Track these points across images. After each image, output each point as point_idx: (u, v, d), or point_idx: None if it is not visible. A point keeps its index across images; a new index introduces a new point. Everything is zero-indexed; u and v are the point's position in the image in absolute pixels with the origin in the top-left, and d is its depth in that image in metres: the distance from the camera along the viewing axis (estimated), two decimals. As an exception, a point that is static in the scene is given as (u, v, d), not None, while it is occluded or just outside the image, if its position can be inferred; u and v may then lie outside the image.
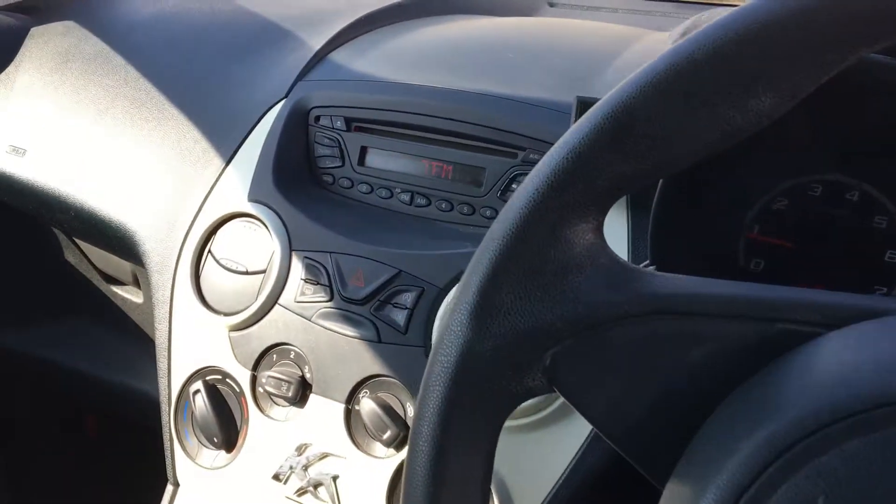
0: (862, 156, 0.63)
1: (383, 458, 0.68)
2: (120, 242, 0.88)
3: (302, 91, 0.81)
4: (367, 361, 0.69)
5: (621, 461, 0.40)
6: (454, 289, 0.40)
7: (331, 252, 0.72)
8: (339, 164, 0.79)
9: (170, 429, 0.78)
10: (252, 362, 0.74)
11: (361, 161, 0.78)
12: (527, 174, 0.71)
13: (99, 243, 0.99)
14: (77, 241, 1.06)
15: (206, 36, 0.95)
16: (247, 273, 0.76)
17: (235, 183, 0.79)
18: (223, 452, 0.75)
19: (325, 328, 0.71)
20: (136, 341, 1.04)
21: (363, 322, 0.70)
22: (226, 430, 0.74)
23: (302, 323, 0.72)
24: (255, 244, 0.76)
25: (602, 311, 0.37)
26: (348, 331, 0.70)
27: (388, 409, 0.67)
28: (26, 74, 1.00)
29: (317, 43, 0.86)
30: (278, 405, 0.73)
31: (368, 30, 0.90)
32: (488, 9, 1.03)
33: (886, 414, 0.30)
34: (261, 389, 0.73)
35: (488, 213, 0.72)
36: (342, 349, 0.70)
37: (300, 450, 0.70)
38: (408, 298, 0.69)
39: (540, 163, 0.39)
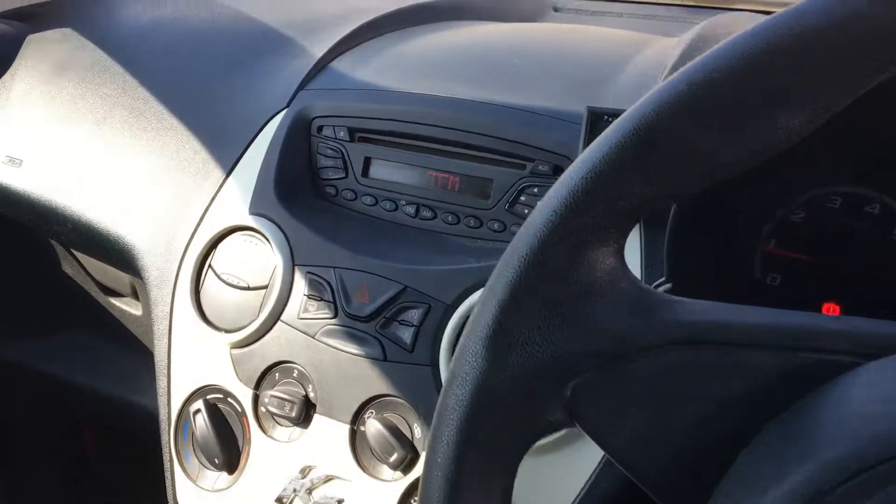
0: (883, 167, 0.61)
1: (390, 481, 0.66)
2: (118, 255, 0.86)
3: (304, 100, 0.79)
4: (372, 381, 0.67)
5: (635, 487, 0.38)
6: (470, 317, 0.37)
7: (334, 267, 0.70)
8: (343, 175, 0.77)
9: (170, 449, 0.76)
10: (254, 381, 0.72)
11: (365, 172, 0.76)
12: (536, 186, 0.70)
13: (97, 255, 0.97)
14: (75, 252, 1.04)
15: (206, 43, 0.93)
16: (248, 288, 0.74)
17: (236, 195, 0.77)
18: (225, 474, 0.73)
19: (329, 346, 0.69)
20: (134, 354, 1.02)
21: (368, 340, 0.68)
22: (227, 451, 0.72)
23: (305, 340, 0.70)
24: (257, 258, 0.74)
25: (626, 340, 0.35)
26: (353, 349, 0.68)
27: (394, 430, 0.65)
28: (22, 83, 0.98)
29: (319, 50, 0.84)
30: (281, 425, 0.71)
31: (371, 37, 0.88)
32: (493, 14, 1.01)
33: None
34: (263, 409, 0.71)
35: (496, 226, 0.70)
36: (347, 368, 0.68)
37: (304, 472, 0.68)
38: (414, 315, 0.67)
39: (557, 182, 0.37)
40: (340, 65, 0.83)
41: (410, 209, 0.73)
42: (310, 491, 0.67)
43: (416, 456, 0.65)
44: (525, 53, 0.81)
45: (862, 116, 0.55)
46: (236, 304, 0.74)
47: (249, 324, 0.72)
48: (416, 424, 0.66)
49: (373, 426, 0.66)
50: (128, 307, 1.04)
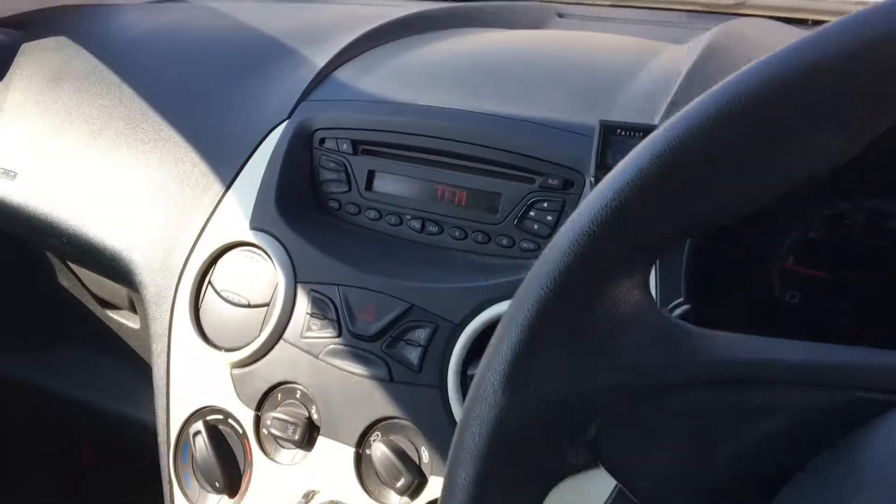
0: (906, 182, 0.59)
1: (397, 507, 0.64)
2: (114, 270, 0.84)
3: (305, 112, 0.77)
4: (378, 402, 0.65)
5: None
6: (486, 350, 0.35)
7: (338, 284, 0.68)
8: (346, 189, 0.74)
9: (169, 471, 0.74)
10: (255, 402, 0.70)
11: (369, 186, 0.74)
12: (545, 200, 0.68)
13: (93, 269, 0.95)
14: (71, 264, 1.02)
15: (205, 53, 0.91)
16: (249, 306, 0.71)
17: (236, 209, 0.75)
18: (225, 498, 0.71)
19: (334, 366, 0.67)
20: (132, 367, 1.01)
21: (374, 360, 0.66)
22: (228, 474, 0.70)
23: (308, 360, 0.68)
24: (258, 275, 0.72)
25: (655, 377, 0.33)
26: (358, 369, 0.66)
27: (401, 454, 0.63)
28: (17, 93, 0.96)
29: (320, 60, 0.82)
30: (284, 448, 0.69)
31: (374, 46, 0.86)
32: (497, 22, 0.99)
33: None
34: (265, 431, 0.69)
35: (504, 241, 0.68)
36: (352, 389, 0.66)
37: (307, 497, 0.66)
38: (421, 335, 0.65)
39: (579, 209, 0.35)
40: (343, 75, 0.81)
41: (416, 224, 0.71)
42: (314, 517, 0.65)
43: (424, 481, 0.63)
44: (533, 63, 0.79)
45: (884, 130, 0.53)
46: (237, 323, 0.72)
47: (250, 343, 0.70)
48: (423, 448, 0.64)
49: (379, 449, 0.64)
50: (125, 320, 1.02)
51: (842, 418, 0.32)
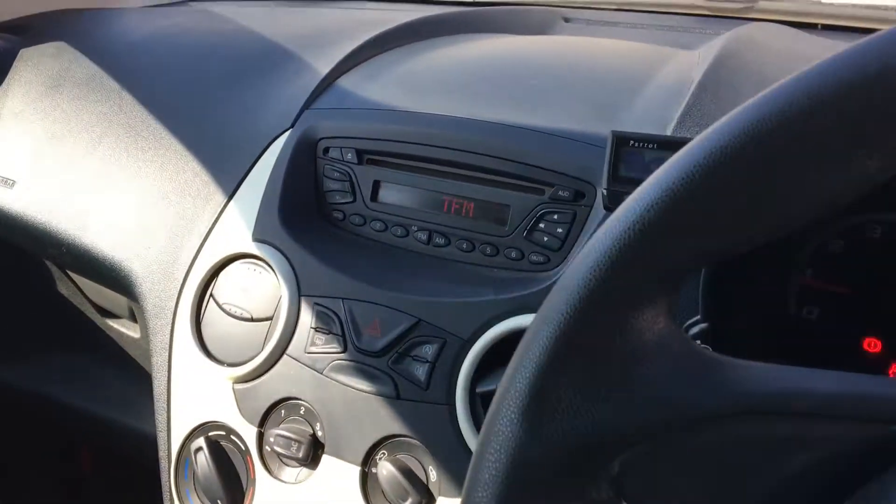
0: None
1: (404, 527, 0.62)
2: (114, 280, 0.83)
3: (309, 120, 0.75)
4: (384, 420, 0.63)
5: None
6: (502, 380, 0.34)
7: (343, 298, 0.67)
8: (351, 199, 0.73)
9: (170, 488, 0.73)
10: (258, 418, 0.68)
11: (374, 196, 0.72)
12: (556, 212, 0.67)
13: (92, 278, 0.94)
14: (70, 273, 1.01)
15: (206, 59, 0.90)
16: (252, 320, 0.70)
17: (238, 220, 0.74)
18: (228, 516, 0.69)
19: (339, 382, 0.65)
20: (132, 376, 0.99)
21: (380, 376, 0.64)
22: (230, 491, 0.68)
23: (313, 376, 0.66)
24: (261, 288, 0.70)
25: (683, 410, 0.32)
26: (364, 385, 0.64)
27: (408, 473, 0.62)
28: (15, 99, 0.95)
29: (324, 67, 0.81)
30: (288, 466, 0.67)
31: (379, 52, 0.84)
32: (503, 27, 0.97)
33: None
34: (268, 448, 0.67)
35: (513, 254, 0.66)
36: (357, 406, 0.64)
37: (312, 516, 0.64)
38: (429, 351, 0.63)
39: (601, 232, 0.33)
40: (347, 82, 0.79)
41: (422, 235, 0.70)
42: (319, 537, 0.63)
43: (432, 500, 0.62)
44: (541, 70, 0.77)
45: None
46: (239, 337, 0.70)
47: (253, 357, 0.69)
48: (431, 467, 0.62)
49: (385, 468, 0.62)
50: (125, 329, 1.00)
51: (877, 453, 0.30)
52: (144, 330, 0.88)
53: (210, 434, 0.70)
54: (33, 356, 1.09)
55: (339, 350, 0.66)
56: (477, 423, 0.61)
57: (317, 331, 0.67)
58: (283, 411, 0.68)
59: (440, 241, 0.69)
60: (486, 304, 0.62)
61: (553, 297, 0.33)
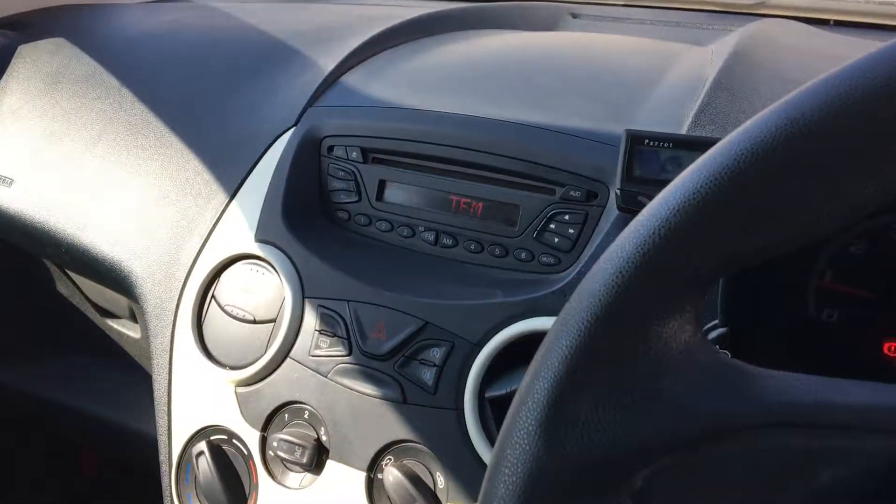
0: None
1: (411, 536, 0.61)
2: (114, 280, 0.81)
3: (313, 118, 0.74)
4: (391, 425, 0.62)
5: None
6: (518, 391, 0.32)
7: (348, 300, 0.65)
8: (356, 199, 0.71)
9: (171, 493, 0.71)
10: (261, 422, 0.67)
11: (380, 196, 0.71)
12: (567, 213, 0.65)
13: (92, 278, 0.92)
14: (69, 273, 0.99)
15: (208, 56, 0.88)
16: (254, 322, 0.68)
17: (241, 220, 0.72)
18: (230, 523, 0.68)
19: (344, 386, 0.64)
20: (133, 377, 0.98)
21: (386, 380, 0.62)
22: (233, 497, 0.67)
23: (317, 380, 0.65)
24: (264, 290, 0.69)
25: (707, 422, 0.30)
26: (369, 390, 0.63)
27: (415, 479, 0.60)
28: (13, 97, 0.93)
29: (328, 64, 0.79)
30: (291, 471, 0.66)
31: (385, 48, 0.83)
32: (510, 22, 0.96)
33: None
34: (271, 453, 0.66)
35: (523, 255, 0.65)
36: (363, 410, 0.63)
37: (316, 523, 0.63)
38: (436, 354, 0.61)
39: (624, 236, 0.31)
40: (352, 79, 0.78)
41: (429, 236, 0.68)
42: (323, 546, 0.62)
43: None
44: (551, 67, 0.76)
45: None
46: (241, 339, 0.69)
47: (256, 360, 0.67)
48: (438, 473, 0.60)
49: (391, 474, 0.61)
50: (126, 329, 0.99)
51: None
52: (145, 331, 0.86)
53: (212, 438, 0.69)
54: (32, 357, 1.07)
55: (343, 353, 0.64)
56: (486, 429, 0.60)
57: (321, 333, 0.65)
58: (286, 415, 0.66)
59: (448, 241, 0.68)
60: (496, 307, 0.61)
61: (573, 303, 0.31)
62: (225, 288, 0.70)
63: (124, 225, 0.80)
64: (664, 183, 0.57)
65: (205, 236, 0.73)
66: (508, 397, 0.58)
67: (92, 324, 1.02)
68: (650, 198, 0.59)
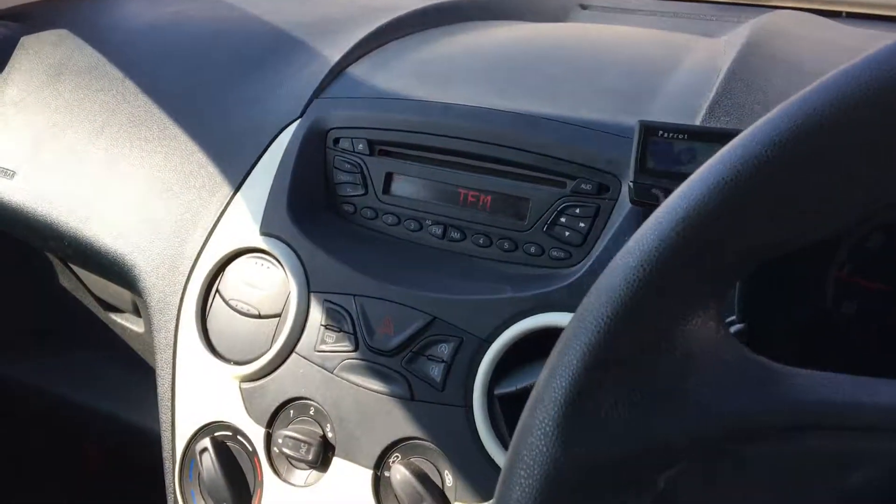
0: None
1: (418, 534, 0.60)
2: (117, 274, 0.80)
3: (319, 110, 0.73)
4: (398, 422, 0.61)
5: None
6: (534, 390, 0.31)
7: (355, 294, 0.64)
8: (362, 192, 0.70)
9: (174, 490, 0.70)
10: (266, 418, 0.66)
11: (387, 189, 0.69)
12: (577, 206, 0.64)
13: (95, 272, 0.91)
14: (72, 266, 0.99)
15: (212, 48, 0.87)
16: (259, 317, 0.67)
17: (245, 213, 0.71)
18: (234, 520, 0.67)
19: (350, 382, 0.63)
20: (136, 372, 0.97)
21: (393, 376, 0.61)
22: (237, 494, 0.66)
23: (323, 375, 0.64)
24: (269, 284, 0.68)
25: (733, 423, 0.29)
26: (376, 386, 0.62)
27: (423, 477, 0.59)
28: (15, 88, 0.92)
29: (334, 55, 0.78)
30: (297, 468, 0.65)
31: (392, 39, 0.81)
32: (519, 13, 0.94)
33: None
34: (276, 450, 0.65)
35: (533, 249, 0.64)
36: (369, 407, 0.62)
37: (322, 521, 0.62)
38: (444, 350, 0.60)
39: (645, 227, 0.30)
40: (358, 70, 0.76)
41: (437, 230, 0.67)
42: (329, 544, 0.61)
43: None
44: (561, 58, 0.74)
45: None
46: (246, 334, 0.68)
47: (261, 356, 0.66)
48: (447, 471, 0.59)
49: (399, 472, 0.59)
50: (129, 324, 0.98)
51: None
52: (148, 325, 0.85)
53: (216, 434, 0.68)
54: (34, 351, 1.07)
55: (350, 349, 0.63)
56: (495, 426, 0.58)
57: (327, 328, 0.64)
58: (291, 412, 0.65)
59: (456, 235, 0.66)
60: (505, 302, 0.60)
61: (591, 298, 0.30)
62: (229, 282, 0.69)
63: (127, 218, 0.79)
64: (678, 175, 0.56)
65: (209, 229, 0.72)
66: (518, 394, 0.57)
67: (95, 318, 1.02)
68: (664, 190, 0.58)
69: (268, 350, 0.66)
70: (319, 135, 0.72)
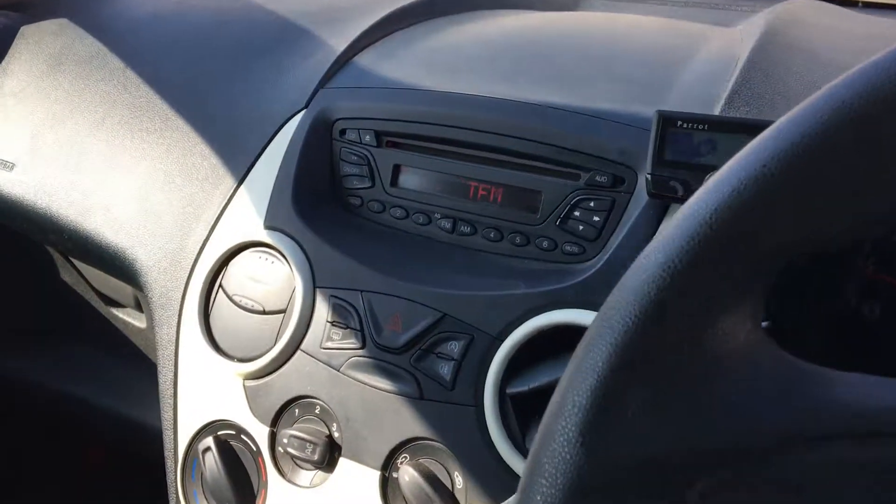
0: None
1: (427, 537, 0.58)
2: (118, 268, 0.79)
3: (324, 100, 0.71)
4: (406, 421, 0.59)
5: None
6: (556, 393, 0.29)
7: (362, 290, 0.62)
8: (369, 184, 0.68)
9: (176, 490, 0.69)
10: (271, 417, 0.64)
11: (394, 181, 0.68)
12: (592, 199, 0.62)
13: (96, 266, 0.90)
14: (73, 260, 0.97)
15: (215, 36, 0.85)
16: (263, 313, 0.66)
17: (249, 206, 0.69)
18: (237, 521, 0.65)
19: (357, 380, 0.61)
20: (138, 368, 0.96)
21: (402, 375, 0.60)
22: (240, 495, 0.64)
23: (329, 373, 0.62)
24: (273, 279, 0.66)
25: (771, 431, 0.27)
26: (384, 384, 0.60)
27: (432, 478, 0.57)
28: (15, 78, 0.91)
29: (340, 44, 0.76)
30: (302, 469, 0.63)
31: (399, 28, 0.80)
32: (527, 2, 0.92)
33: None
34: (281, 449, 0.63)
35: (545, 244, 0.62)
36: (377, 406, 0.60)
37: (328, 524, 0.60)
38: (454, 348, 0.58)
39: (673, 223, 0.28)
40: (365, 60, 0.75)
41: (446, 223, 0.65)
42: (335, 547, 0.59)
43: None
44: (574, 47, 0.72)
45: None
46: (250, 331, 0.66)
47: (265, 353, 0.64)
48: (456, 472, 0.58)
49: (407, 473, 0.58)
50: (131, 319, 0.97)
51: None
52: (150, 321, 0.84)
53: (219, 433, 0.66)
54: (34, 346, 1.06)
55: (357, 346, 0.61)
56: (507, 426, 0.57)
57: (333, 325, 0.63)
58: (296, 410, 0.63)
59: (466, 229, 0.65)
60: (517, 298, 0.58)
61: (616, 297, 0.28)
62: (233, 277, 0.68)
63: (128, 211, 0.77)
64: (698, 167, 0.54)
65: (212, 223, 0.71)
66: (531, 394, 0.56)
67: (96, 312, 1.00)
68: (682, 183, 0.56)
69: (272, 347, 0.64)
70: (325, 125, 0.70)
